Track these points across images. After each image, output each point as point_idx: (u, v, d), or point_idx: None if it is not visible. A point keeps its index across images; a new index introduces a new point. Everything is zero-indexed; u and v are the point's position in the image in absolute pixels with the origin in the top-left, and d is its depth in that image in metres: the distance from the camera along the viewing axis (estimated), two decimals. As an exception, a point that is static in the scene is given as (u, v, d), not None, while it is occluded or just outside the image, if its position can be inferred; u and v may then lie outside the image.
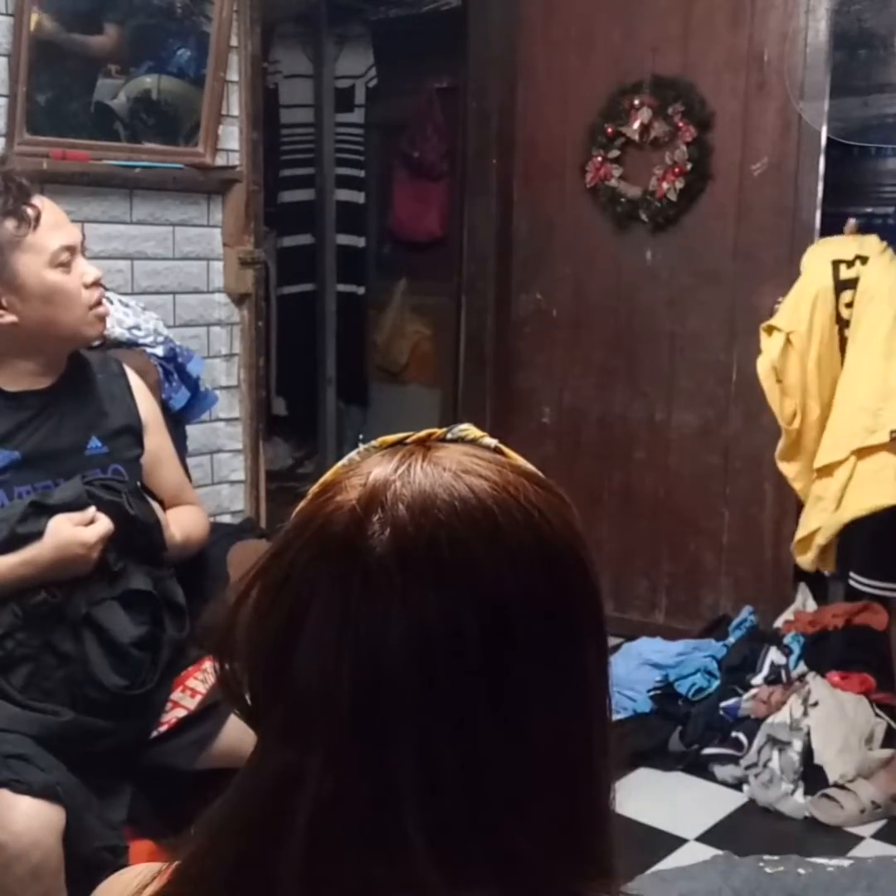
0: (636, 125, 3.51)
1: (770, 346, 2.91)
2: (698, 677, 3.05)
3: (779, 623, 3.22)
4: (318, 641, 0.60)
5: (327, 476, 0.67)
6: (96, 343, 2.08)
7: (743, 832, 2.64)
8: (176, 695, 1.87)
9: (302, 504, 0.66)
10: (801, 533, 2.93)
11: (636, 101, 3.51)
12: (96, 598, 1.77)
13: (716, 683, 3.05)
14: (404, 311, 4.92)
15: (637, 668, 3.16)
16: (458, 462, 0.64)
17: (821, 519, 2.84)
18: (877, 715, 2.83)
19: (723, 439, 3.52)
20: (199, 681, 1.89)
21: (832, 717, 2.77)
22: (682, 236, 3.52)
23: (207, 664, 1.89)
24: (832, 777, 2.70)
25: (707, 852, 2.50)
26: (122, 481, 1.87)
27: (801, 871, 2.29)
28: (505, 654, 0.60)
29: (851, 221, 2.91)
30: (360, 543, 0.60)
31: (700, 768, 2.90)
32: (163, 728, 1.84)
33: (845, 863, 2.36)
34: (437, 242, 4.73)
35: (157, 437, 2.03)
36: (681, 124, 3.44)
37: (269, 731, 0.63)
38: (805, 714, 2.78)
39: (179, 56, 2.87)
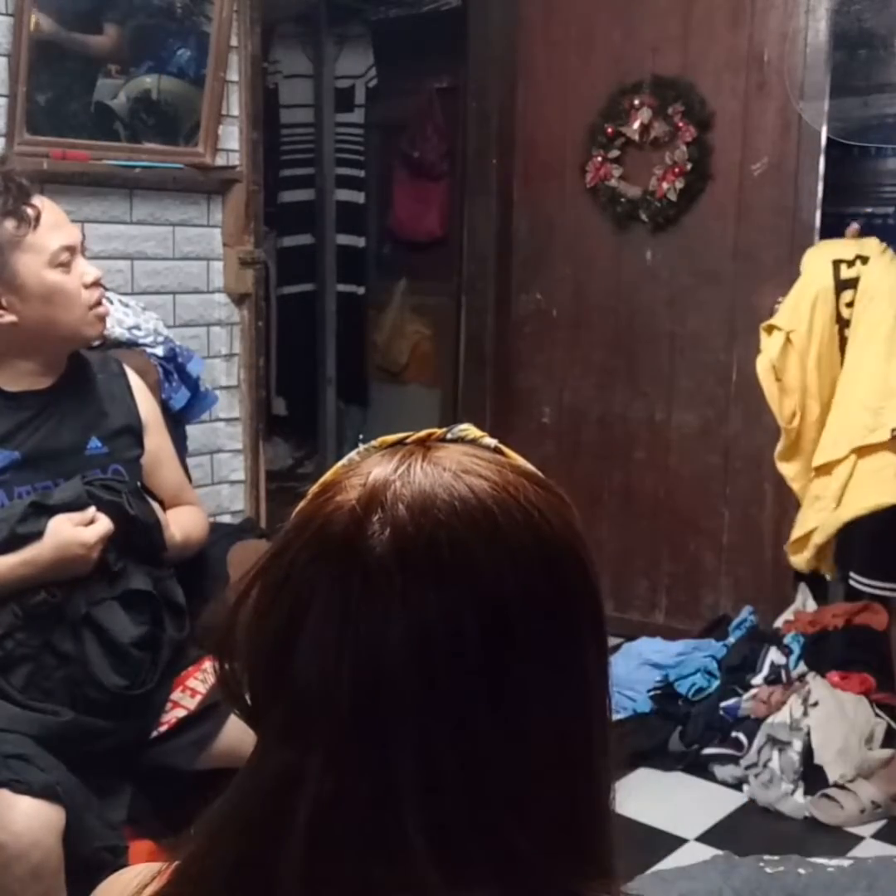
0: (636, 125, 3.51)
1: (769, 346, 2.91)
2: (698, 677, 3.05)
3: (779, 623, 3.22)
4: (318, 641, 0.60)
5: (327, 476, 0.67)
6: (96, 343, 2.08)
7: (743, 832, 2.64)
8: (176, 695, 1.87)
9: (302, 504, 0.66)
10: (797, 532, 2.93)
11: (636, 101, 3.51)
12: (96, 598, 1.77)
13: (716, 683, 3.04)
14: (404, 311, 4.92)
15: (637, 668, 3.16)
16: (458, 462, 0.64)
17: (818, 518, 2.83)
18: (877, 715, 2.83)
19: (723, 439, 3.52)
20: (199, 681, 1.89)
21: (832, 717, 2.77)
22: (682, 236, 3.52)
23: (207, 664, 1.89)
24: (832, 777, 2.70)
25: (707, 852, 2.50)
26: (122, 481, 1.87)
27: (802, 871, 2.29)
28: (505, 654, 0.60)
29: (854, 226, 2.91)
30: (360, 543, 0.60)
31: (700, 768, 2.90)
32: (163, 728, 1.84)
33: (845, 863, 2.36)
34: (437, 242, 4.73)
35: (157, 438, 2.03)
36: (681, 124, 3.44)
37: (269, 731, 0.63)
38: (805, 714, 2.78)
39: (179, 56, 2.87)
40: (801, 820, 2.68)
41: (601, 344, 3.72)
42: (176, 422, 2.40)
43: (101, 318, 1.93)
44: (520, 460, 0.67)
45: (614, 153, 3.57)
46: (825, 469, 2.82)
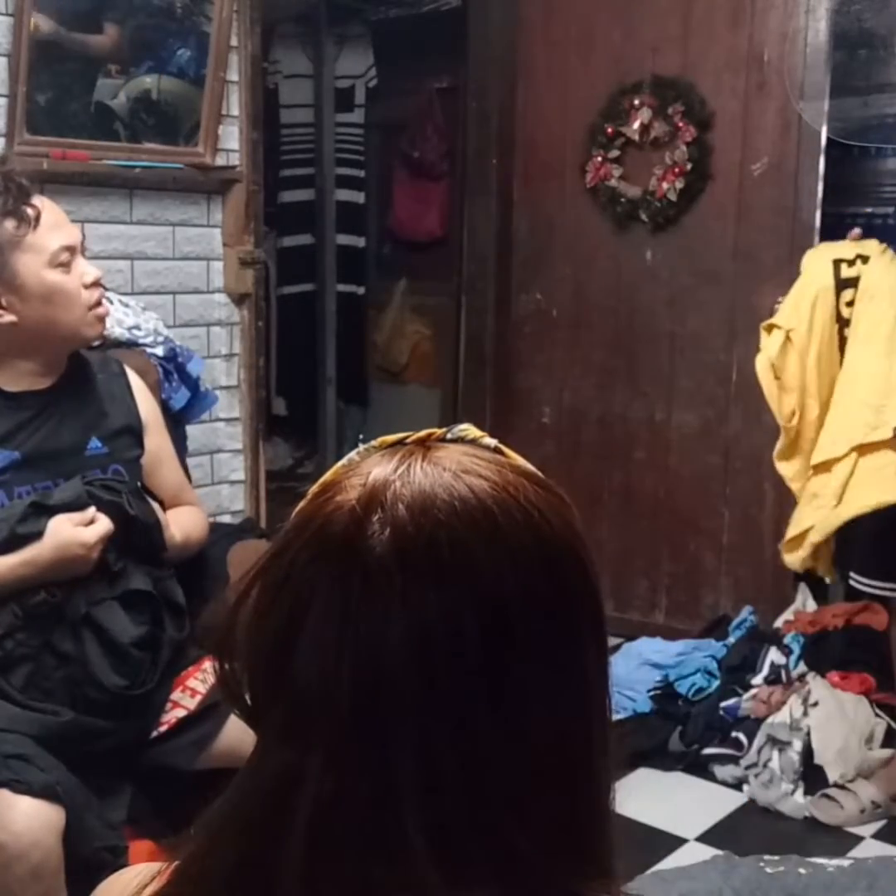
0: (636, 125, 3.51)
1: (769, 344, 2.91)
2: (698, 677, 3.05)
3: (779, 623, 3.22)
4: (318, 641, 0.60)
5: (327, 476, 0.67)
6: (96, 343, 2.08)
7: (743, 832, 2.64)
8: (176, 695, 1.87)
9: (302, 504, 0.66)
10: (792, 531, 2.92)
11: (636, 101, 3.51)
12: (96, 599, 1.77)
13: (716, 683, 3.04)
14: (404, 311, 4.92)
15: (637, 668, 3.16)
16: (458, 462, 0.64)
17: (815, 516, 2.83)
18: (877, 715, 2.83)
19: (723, 439, 3.52)
20: (199, 681, 1.89)
21: (832, 717, 2.77)
22: (682, 236, 3.52)
23: (207, 664, 1.89)
24: (832, 777, 2.70)
25: (707, 852, 2.50)
26: (122, 481, 1.87)
27: (802, 871, 2.29)
28: (505, 654, 0.60)
29: (856, 231, 2.91)
30: (360, 543, 0.60)
31: (700, 768, 2.90)
32: (163, 728, 1.84)
33: (845, 863, 2.36)
34: (437, 242, 4.73)
35: (157, 438, 2.03)
36: (681, 124, 3.44)
37: (269, 731, 0.63)
38: (805, 714, 2.78)
39: (179, 56, 2.87)
40: (801, 820, 2.68)
41: (601, 344, 3.72)
42: (176, 422, 2.40)
43: (101, 319, 1.93)
44: (520, 460, 0.67)
45: (614, 153, 3.57)
46: (824, 467, 2.81)
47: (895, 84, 3.22)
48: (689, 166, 3.45)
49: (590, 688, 0.64)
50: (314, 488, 0.66)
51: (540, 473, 0.67)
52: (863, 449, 2.73)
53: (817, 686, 2.85)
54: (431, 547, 0.60)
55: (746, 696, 2.95)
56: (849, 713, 2.79)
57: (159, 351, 2.45)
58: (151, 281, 2.89)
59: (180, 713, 1.86)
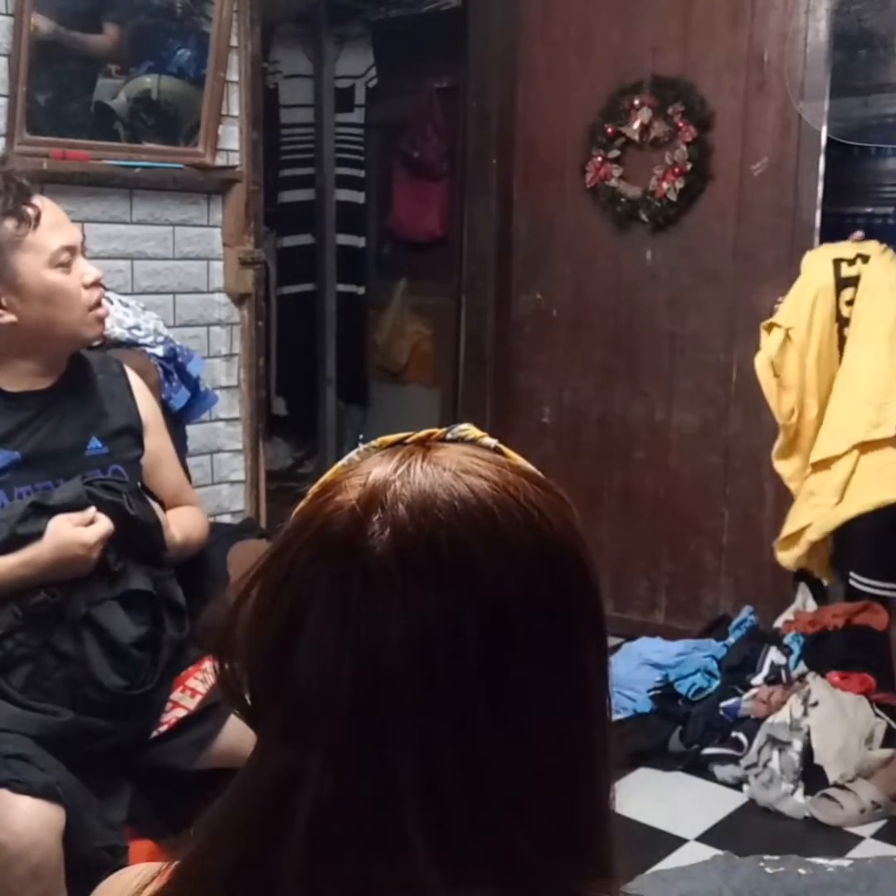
0: (636, 125, 3.51)
1: (769, 343, 2.91)
2: (698, 677, 3.05)
3: (779, 623, 3.22)
4: (318, 641, 0.60)
5: (327, 476, 0.67)
6: (96, 343, 2.08)
7: (743, 832, 2.64)
8: (176, 695, 1.87)
9: (302, 504, 0.66)
10: (788, 529, 2.91)
11: (636, 101, 3.51)
12: (96, 599, 1.77)
13: (716, 683, 3.04)
14: (404, 311, 4.92)
15: (637, 668, 3.16)
16: (458, 462, 0.64)
17: (812, 514, 2.82)
18: (877, 715, 2.83)
19: (723, 439, 3.52)
20: (199, 681, 1.89)
21: (832, 717, 2.77)
22: (682, 236, 3.52)
23: (207, 664, 1.89)
24: (832, 777, 2.70)
25: (707, 852, 2.50)
26: (122, 482, 1.87)
27: (802, 871, 2.29)
28: (505, 654, 0.60)
29: (858, 233, 2.91)
30: (360, 543, 0.60)
31: (700, 768, 2.90)
32: (163, 728, 1.84)
33: (846, 863, 2.36)
34: (437, 242, 4.73)
35: (157, 438, 2.03)
36: (681, 124, 3.44)
37: (269, 731, 0.63)
38: (805, 714, 2.78)
39: (179, 56, 2.87)
40: (801, 820, 2.68)
41: (601, 344, 3.72)
42: (176, 422, 2.40)
43: (101, 319, 1.93)
44: (520, 460, 0.67)
45: (614, 153, 3.57)
46: (823, 465, 2.81)
47: (895, 84, 3.22)
48: (689, 166, 3.45)
49: (590, 688, 0.64)
50: (314, 488, 0.66)
51: (540, 473, 0.67)
52: (864, 447, 2.73)
53: (817, 686, 2.85)
54: (431, 547, 0.60)
55: (746, 696, 2.95)
56: (849, 713, 2.79)
57: (159, 351, 2.45)
58: (151, 281, 2.89)
59: (180, 713, 1.86)
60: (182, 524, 1.97)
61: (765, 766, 2.76)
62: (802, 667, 2.97)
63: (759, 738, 2.80)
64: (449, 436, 0.68)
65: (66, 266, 1.83)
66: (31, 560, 1.73)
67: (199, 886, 0.62)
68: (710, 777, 2.88)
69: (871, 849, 2.55)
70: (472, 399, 4.01)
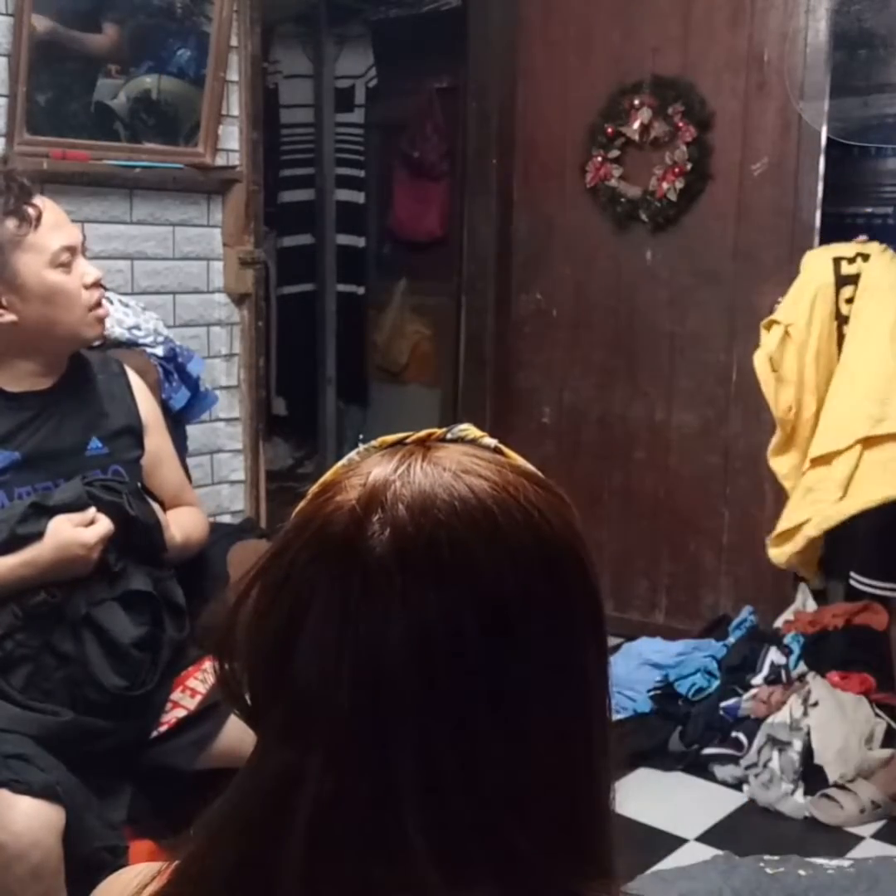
0: (636, 125, 3.51)
1: (768, 339, 2.91)
2: (698, 677, 3.05)
3: (779, 623, 3.22)
4: (318, 641, 0.60)
5: (327, 476, 0.67)
6: (96, 343, 2.08)
7: (743, 832, 2.64)
8: (176, 695, 1.87)
9: (302, 504, 0.66)
10: (784, 525, 2.90)
11: (636, 101, 3.51)
12: (96, 599, 1.77)
13: (716, 683, 3.04)
14: (404, 311, 4.92)
15: (637, 668, 3.16)
16: (458, 462, 0.64)
17: (812, 510, 2.82)
18: (877, 715, 2.83)
19: (723, 439, 3.52)
20: (199, 681, 1.89)
21: (832, 717, 2.77)
22: (682, 236, 3.52)
23: (207, 664, 1.89)
24: (832, 777, 2.70)
25: (707, 852, 2.50)
26: (122, 482, 1.87)
27: (802, 872, 2.29)
28: (505, 654, 0.60)
29: (862, 237, 2.92)
30: (360, 543, 0.60)
31: (700, 768, 2.90)
32: (163, 728, 1.84)
33: (846, 864, 2.36)
34: (437, 242, 4.72)
35: (157, 438, 2.03)
36: (681, 124, 3.44)
37: (269, 731, 0.63)
38: (805, 714, 2.78)
39: (179, 56, 2.87)
40: (801, 820, 2.68)
41: (601, 344, 3.72)
42: (176, 422, 2.40)
43: (101, 320, 1.93)
44: (520, 460, 0.67)
45: (614, 153, 3.57)
46: (823, 460, 2.80)
47: (895, 84, 3.22)
48: (689, 166, 3.45)
49: (590, 688, 0.64)
50: (314, 488, 0.67)
51: (540, 473, 0.67)
52: (868, 442, 2.72)
53: (817, 686, 2.85)
54: (431, 547, 0.60)
55: (746, 696, 2.95)
56: (849, 713, 2.79)
57: (159, 351, 2.45)
58: (151, 281, 2.89)
59: (180, 713, 1.86)
60: (182, 524, 1.97)
61: (765, 766, 2.76)
62: (802, 667, 2.97)
63: (759, 738, 2.80)
64: (449, 436, 0.68)
65: (66, 266, 1.83)
66: (31, 560, 1.73)
67: (199, 886, 0.62)
68: (710, 777, 2.88)
69: (871, 849, 2.55)
70: (472, 399, 4.01)
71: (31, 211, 1.79)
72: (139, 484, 1.94)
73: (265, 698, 0.63)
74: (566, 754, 0.62)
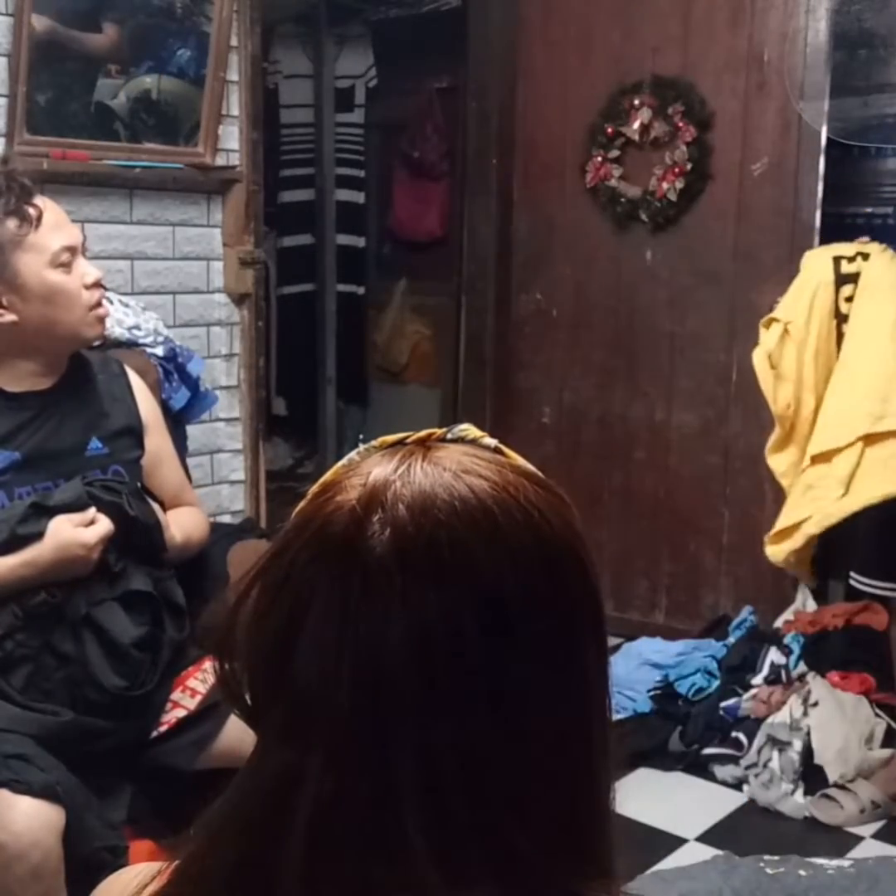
0: (636, 125, 3.51)
1: (767, 337, 2.91)
2: (698, 677, 3.05)
3: (779, 623, 3.22)
4: (318, 641, 0.60)
5: (327, 476, 0.67)
6: (96, 343, 2.08)
7: (743, 832, 2.64)
8: (176, 695, 1.87)
9: (302, 504, 0.66)
10: (783, 522, 2.90)
11: (636, 101, 3.51)
12: (96, 599, 1.77)
13: (716, 683, 3.04)
14: (404, 311, 4.92)
15: (637, 668, 3.16)
16: (458, 462, 0.64)
17: (812, 507, 2.82)
18: (877, 715, 2.83)
19: (723, 439, 3.52)
20: (199, 681, 1.89)
21: (832, 717, 2.77)
22: (682, 236, 3.52)
23: (207, 664, 1.89)
24: (832, 777, 2.70)
25: (707, 852, 2.50)
26: (122, 482, 1.87)
27: (802, 872, 2.29)
28: (505, 654, 0.60)
29: (864, 238, 2.92)
30: (360, 543, 0.60)
31: (700, 768, 2.90)
32: (163, 728, 1.84)
33: (846, 864, 2.36)
34: (437, 242, 4.73)
35: (157, 438, 2.03)
36: (681, 124, 3.44)
37: (269, 731, 0.63)
38: (805, 714, 2.78)
39: (179, 56, 2.87)
40: (801, 820, 2.68)
41: (601, 344, 3.72)
42: (176, 422, 2.40)
43: (101, 320, 1.93)
44: (520, 460, 0.67)
45: (614, 153, 3.57)
46: (823, 458, 2.80)
47: (895, 84, 3.22)
48: (689, 166, 3.45)
49: (590, 688, 0.64)
50: (314, 488, 0.67)
51: (540, 473, 0.67)
52: (869, 439, 2.72)
53: (817, 686, 2.85)
54: (431, 547, 0.60)
55: (746, 696, 2.95)
56: (849, 713, 2.79)
57: (159, 351, 2.45)
58: (151, 281, 2.89)
59: (180, 713, 1.86)
60: (182, 524, 1.97)
61: (765, 766, 2.76)
62: (802, 667, 2.97)
63: (759, 738, 2.80)
64: (449, 436, 0.68)
65: (66, 266, 1.83)
66: (31, 560, 1.73)
67: (199, 886, 0.62)
68: (710, 777, 2.88)
69: (871, 849, 2.55)
70: (472, 399, 4.01)
71: (31, 211, 1.79)
72: (139, 484, 1.94)
73: (265, 698, 0.63)
74: (566, 754, 0.62)
